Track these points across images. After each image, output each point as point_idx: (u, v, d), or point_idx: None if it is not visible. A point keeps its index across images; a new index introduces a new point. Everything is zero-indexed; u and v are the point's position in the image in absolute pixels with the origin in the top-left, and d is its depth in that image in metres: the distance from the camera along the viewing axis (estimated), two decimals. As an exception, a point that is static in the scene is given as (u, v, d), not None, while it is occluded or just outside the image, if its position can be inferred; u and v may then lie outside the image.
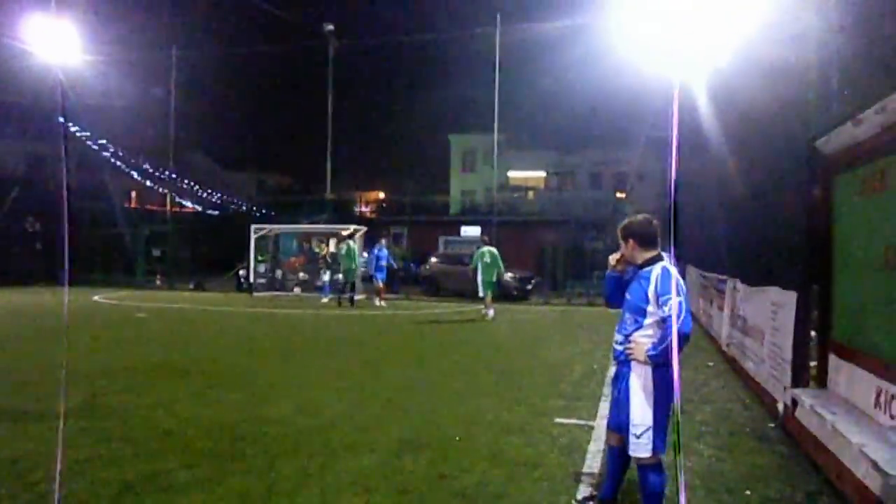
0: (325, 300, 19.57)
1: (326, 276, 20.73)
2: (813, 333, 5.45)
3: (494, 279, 14.79)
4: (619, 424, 3.46)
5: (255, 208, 34.21)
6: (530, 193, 46.34)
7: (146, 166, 31.61)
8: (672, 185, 3.27)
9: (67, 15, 19.96)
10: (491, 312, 14.61)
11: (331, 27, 24.78)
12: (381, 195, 50.09)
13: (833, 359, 4.87)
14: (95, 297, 19.33)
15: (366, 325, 13.73)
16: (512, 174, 45.41)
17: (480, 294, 14.83)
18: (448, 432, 5.34)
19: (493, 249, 14.78)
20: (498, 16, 22.70)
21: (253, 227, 22.59)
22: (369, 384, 7.32)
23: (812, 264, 5.32)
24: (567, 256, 24.57)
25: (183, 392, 6.74)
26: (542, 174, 46.89)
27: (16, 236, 26.67)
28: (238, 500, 3.82)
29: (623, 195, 40.79)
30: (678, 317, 3.12)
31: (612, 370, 3.78)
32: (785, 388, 5.50)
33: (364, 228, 22.50)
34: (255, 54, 32.42)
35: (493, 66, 23.21)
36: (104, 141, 30.80)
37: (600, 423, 5.56)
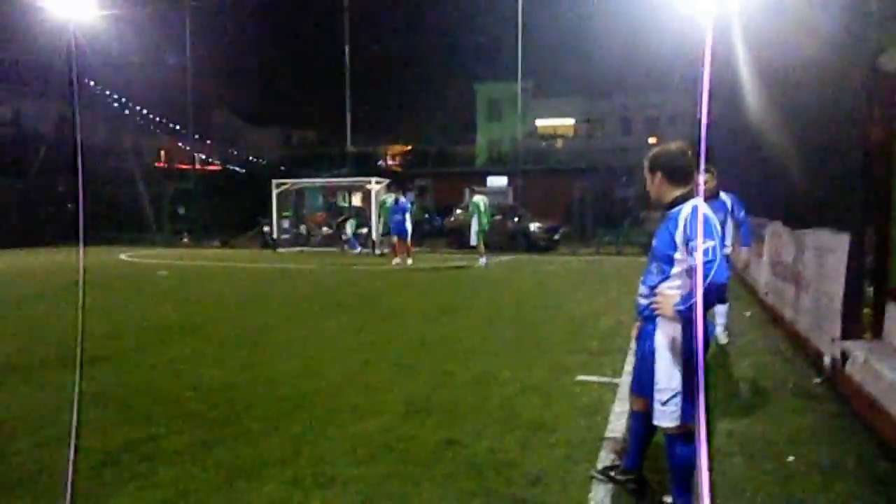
0: (355, 252, 19.64)
1: (349, 229, 20.54)
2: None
3: (487, 228, 15.38)
4: (643, 388, 3.01)
5: (277, 164, 33.94)
6: (559, 142, 45.02)
7: (171, 125, 31.52)
8: (703, 111, 2.57)
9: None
10: (483, 261, 15.10)
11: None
12: (407, 147, 49.21)
13: (891, 307, 4.31)
14: (122, 256, 19.48)
15: (387, 280, 13.42)
16: (540, 122, 44.07)
17: (473, 243, 15.40)
18: (460, 393, 4.97)
19: (486, 198, 15.50)
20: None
21: (274, 182, 22.32)
22: (383, 341, 6.99)
23: (868, 203, 4.70)
24: (596, 205, 23.83)
25: (189, 352, 6.51)
26: (571, 122, 45.40)
27: (47, 197, 26.95)
28: (223, 472, 3.51)
29: (655, 140, 39.35)
30: (711, 263, 2.60)
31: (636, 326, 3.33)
32: (833, 340, 4.96)
33: (386, 181, 22.06)
34: (274, 6, 31.47)
35: (517, 11, 22.23)
36: (127, 99, 30.71)
37: (626, 380, 5.12)
